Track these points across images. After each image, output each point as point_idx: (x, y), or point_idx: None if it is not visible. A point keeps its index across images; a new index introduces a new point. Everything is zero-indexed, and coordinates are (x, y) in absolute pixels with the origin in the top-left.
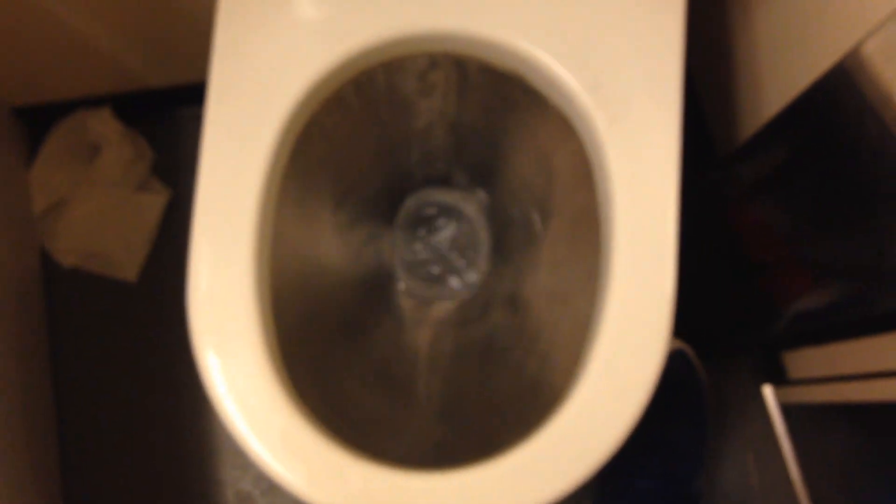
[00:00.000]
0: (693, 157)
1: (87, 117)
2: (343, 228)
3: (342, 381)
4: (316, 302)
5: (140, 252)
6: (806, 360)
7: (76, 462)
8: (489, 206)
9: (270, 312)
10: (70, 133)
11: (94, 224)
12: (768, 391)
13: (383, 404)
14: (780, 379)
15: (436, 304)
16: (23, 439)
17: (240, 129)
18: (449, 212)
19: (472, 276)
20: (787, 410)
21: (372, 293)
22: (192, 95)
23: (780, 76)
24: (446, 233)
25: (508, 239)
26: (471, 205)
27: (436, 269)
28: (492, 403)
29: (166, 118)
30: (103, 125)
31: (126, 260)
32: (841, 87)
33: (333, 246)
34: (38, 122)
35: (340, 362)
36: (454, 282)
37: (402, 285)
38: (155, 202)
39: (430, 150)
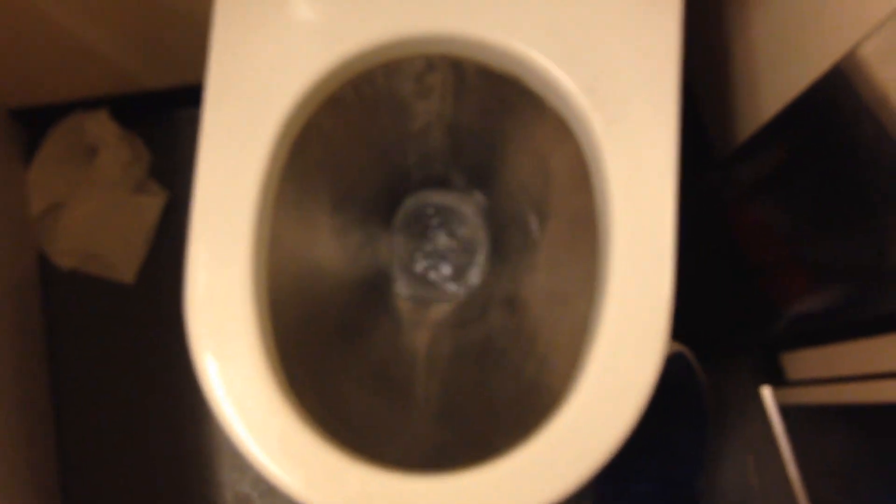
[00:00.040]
0: (691, 158)
1: (85, 119)
2: (341, 230)
3: (340, 384)
4: (314, 304)
5: (138, 254)
6: (804, 362)
7: (75, 463)
8: (487, 208)
9: (268, 315)
10: (67, 135)
11: (92, 226)
12: (767, 392)
13: (381, 406)
14: (778, 380)
15: (434, 305)
16: (21, 441)
17: (237, 131)
18: (447, 213)
19: (470, 278)
20: (786, 411)
21: (370, 295)
22: (189, 97)
23: (777, 78)
24: (444, 235)
25: (506, 240)
26: (468, 206)
27: (433, 271)
28: (490, 405)
29: (164, 120)
30: (100, 127)
31: (124, 262)
32: (838, 88)
33: (331, 248)
34: (35, 124)
35: (338, 364)
36: (452, 284)
37: (399, 287)
38: (152, 204)
39: (428, 152)
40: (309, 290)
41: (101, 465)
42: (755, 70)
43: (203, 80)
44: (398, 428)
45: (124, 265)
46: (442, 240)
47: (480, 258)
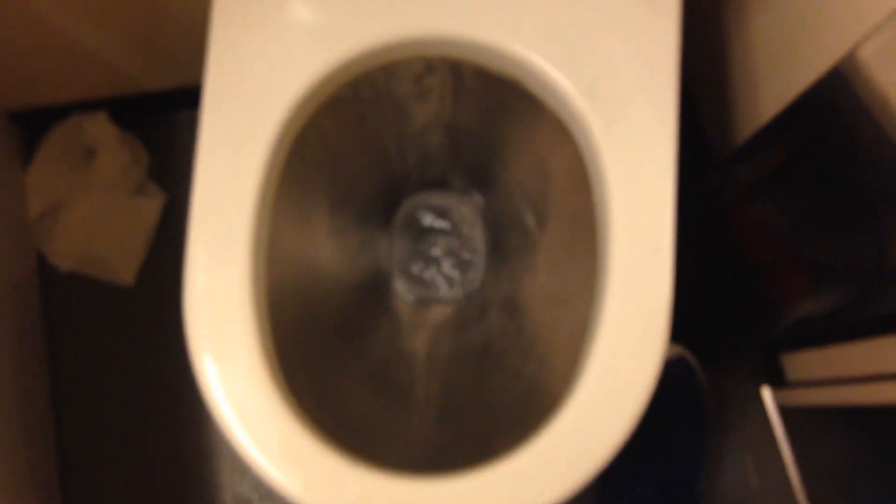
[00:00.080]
0: (690, 158)
1: (83, 121)
2: (340, 232)
3: (340, 385)
4: (313, 306)
5: (137, 256)
6: (804, 363)
7: (74, 465)
8: (486, 209)
9: (267, 316)
10: (66, 137)
11: (91, 228)
12: (767, 393)
13: (381, 408)
14: (778, 381)
15: (433, 307)
16: (21, 442)
17: (235, 133)
18: (445, 215)
19: (470, 280)
20: (786, 412)
21: (369, 297)
22: (188, 99)
23: (776, 79)
24: (443, 236)
25: (505, 242)
26: (467, 208)
27: (432, 272)
28: (490, 407)
29: (162, 122)
30: (99, 129)
31: (123, 263)
32: (837, 90)
33: (330, 249)
34: (33, 126)
35: (338, 366)
36: (451, 285)
37: (399, 288)
38: (151, 206)
39: (427, 153)
40: (308, 291)
41: (100, 467)
42: (754, 71)
43: (201, 82)
44: (398, 430)
45: (123, 267)
46: (441, 241)
47: (480, 259)
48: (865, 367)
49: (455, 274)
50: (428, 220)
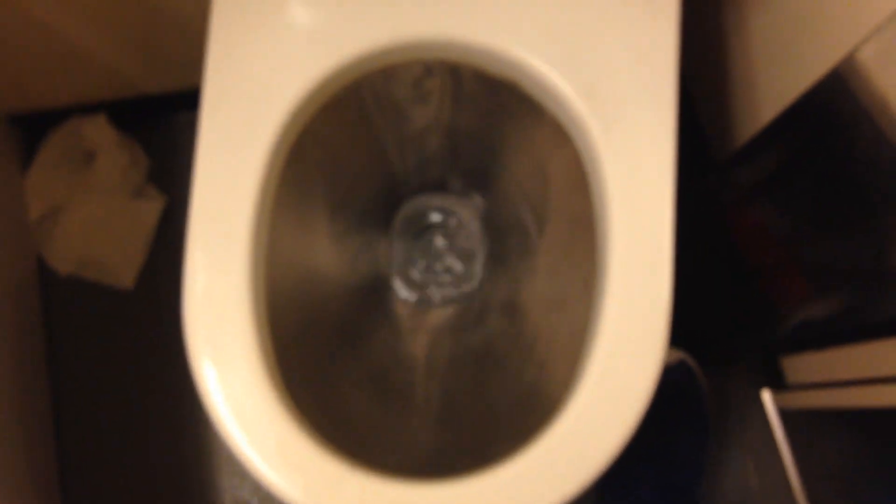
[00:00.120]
0: (689, 160)
1: (83, 124)
2: (339, 235)
3: (339, 390)
4: (312, 310)
5: (136, 259)
6: (804, 366)
7: (74, 469)
8: (485, 212)
9: (267, 321)
10: (65, 140)
11: (90, 231)
12: (767, 396)
13: (381, 412)
14: (778, 384)
15: (433, 310)
16: (20, 449)
17: (234, 136)
18: (445, 217)
19: (469, 282)
20: (786, 415)
21: (369, 300)
22: (187, 101)
23: (775, 81)
24: (442, 238)
25: (505, 245)
26: (467, 210)
27: (432, 276)
28: (490, 410)
29: (162, 124)
30: (98, 132)
31: (122, 267)
32: (836, 92)
33: (329, 253)
34: (32, 129)
35: (337, 370)
36: (451, 288)
37: (398, 292)
38: (151, 209)
39: (426, 156)
40: (307, 294)
41: (99, 471)
42: (753, 73)
43: (200, 85)
44: (397, 433)
45: (123, 270)
46: (440, 244)
47: (479, 262)
48: (865, 369)
49: (454, 276)
50: (427, 222)
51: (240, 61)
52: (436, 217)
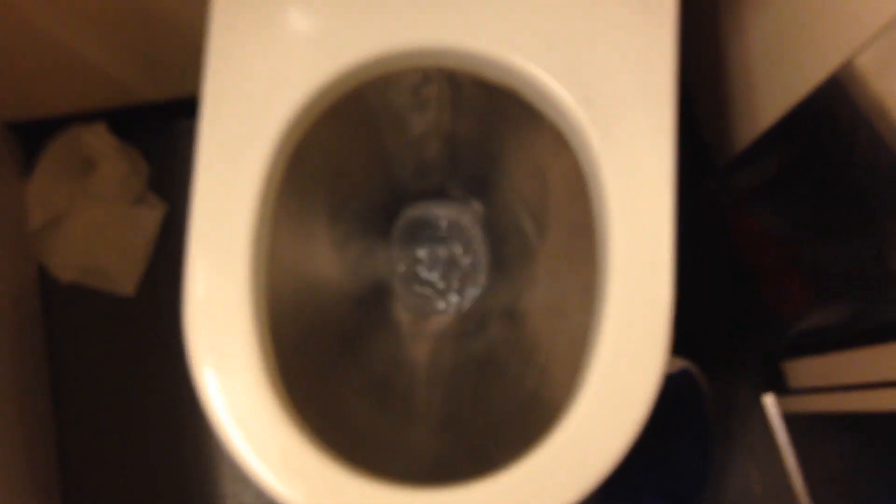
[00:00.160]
0: (688, 165)
1: (83, 132)
2: (339, 242)
3: (341, 396)
4: (313, 317)
5: (137, 266)
6: (806, 370)
7: (74, 470)
8: (485, 218)
9: (268, 328)
10: (65, 148)
11: (91, 239)
12: (769, 400)
13: (382, 419)
14: (780, 388)
15: (433, 317)
16: (20, 449)
17: (234, 143)
18: (445, 224)
19: (470, 289)
20: (789, 419)
21: (369, 307)
22: (187, 109)
23: (774, 87)
24: (442, 245)
25: (505, 251)
26: (467, 217)
27: (432, 282)
28: (491, 417)
29: (162, 132)
30: (99, 140)
31: (123, 274)
32: (835, 99)
33: (330, 260)
34: (33, 137)
35: (339, 377)
36: (451, 295)
37: (399, 299)
38: (151, 216)
39: (426, 163)
40: (308, 302)
41: (100, 477)
42: (752, 79)
43: (200, 92)
44: (399, 440)
45: (124, 278)
46: (441, 250)
47: (479, 269)
48: (867, 374)
49: (455, 283)
50: (427, 229)
51: (239, 68)
52: (436, 223)
